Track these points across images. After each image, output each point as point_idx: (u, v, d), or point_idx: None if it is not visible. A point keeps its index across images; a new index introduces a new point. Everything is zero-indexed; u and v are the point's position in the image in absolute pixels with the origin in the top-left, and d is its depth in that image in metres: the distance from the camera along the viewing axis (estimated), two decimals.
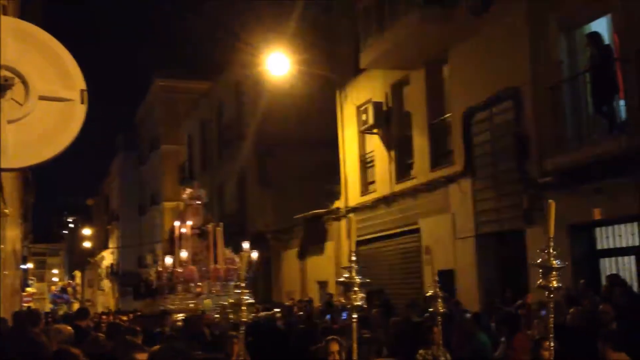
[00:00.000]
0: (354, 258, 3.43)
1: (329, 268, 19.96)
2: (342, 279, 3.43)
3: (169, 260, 13.82)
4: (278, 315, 13.61)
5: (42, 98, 2.72)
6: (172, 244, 14.63)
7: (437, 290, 5.02)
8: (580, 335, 7.08)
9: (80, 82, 2.83)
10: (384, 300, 14.20)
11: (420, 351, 7.05)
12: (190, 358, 3.69)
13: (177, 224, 14.73)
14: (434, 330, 6.74)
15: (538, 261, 3.68)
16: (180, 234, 14.26)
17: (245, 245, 14.12)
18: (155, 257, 14.66)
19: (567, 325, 7.73)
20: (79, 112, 2.80)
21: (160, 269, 14.01)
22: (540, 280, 3.68)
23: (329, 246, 20.11)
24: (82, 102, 2.80)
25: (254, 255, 14.04)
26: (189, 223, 14.61)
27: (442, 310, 5.09)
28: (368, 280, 3.46)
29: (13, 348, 2.47)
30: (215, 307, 13.33)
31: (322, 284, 20.55)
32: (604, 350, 5.93)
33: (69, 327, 6.38)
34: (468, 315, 10.22)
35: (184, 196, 15.92)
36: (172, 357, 3.55)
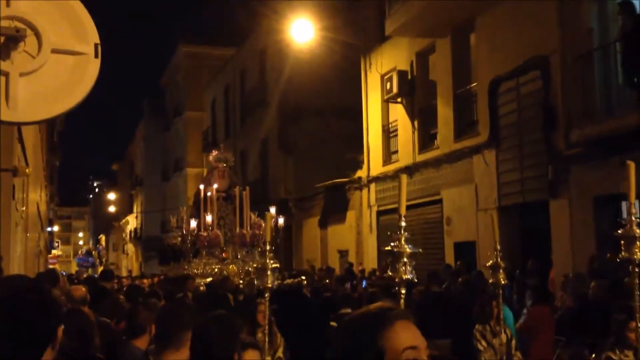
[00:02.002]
0: (403, 224, 2.87)
1: (350, 237, 19.98)
2: (389, 248, 2.89)
3: (193, 223, 13.50)
4: (304, 282, 12.92)
5: (55, 51, 2.66)
6: (197, 208, 14.24)
7: (499, 260, 4.40)
8: (601, 309, 6.98)
9: (94, 36, 2.77)
10: None
11: (478, 326, 6.51)
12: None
13: (202, 187, 14.34)
14: (492, 303, 6.19)
15: (620, 231, 3.46)
16: (206, 197, 13.81)
17: (272, 210, 13.87)
18: (179, 221, 14.38)
19: (589, 297, 7.63)
20: (93, 67, 2.74)
21: (185, 232, 13.72)
22: (623, 252, 3.45)
23: (350, 215, 20.09)
24: (96, 57, 2.74)
25: (281, 220, 13.71)
26: (215, 186, 14.17)
27: (503, 282, 4.50)
28: (420, 250, 2.95)
29: (25, 300, 2.45)
30: (240, 273, 13.02)
31: (343, 253, 20.59)
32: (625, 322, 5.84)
33: (83, 288, 6.46)
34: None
35: (210, 158, 15.38)
36: (222, 330, 3.38)
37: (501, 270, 4.40)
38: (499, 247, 4.40)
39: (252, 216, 13.96)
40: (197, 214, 14.09)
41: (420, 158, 16.37)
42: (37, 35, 2.62)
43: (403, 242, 2.86)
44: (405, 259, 2.84)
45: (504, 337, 6.05)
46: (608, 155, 10.25)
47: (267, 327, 4.44)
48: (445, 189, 15.26)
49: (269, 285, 3.88)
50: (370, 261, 18.33)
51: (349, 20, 20.06)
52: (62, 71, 2.68)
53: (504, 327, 6.12)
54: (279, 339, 6.35)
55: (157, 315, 3.86)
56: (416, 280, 2.99)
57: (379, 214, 18.55)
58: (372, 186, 18.79)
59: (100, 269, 39.89)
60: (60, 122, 31.45)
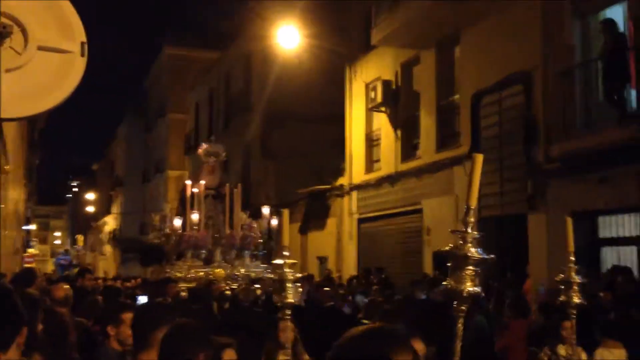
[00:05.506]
0: (472, 220, 2.20)
1: (330, 244, 20.00)
2: (448, 248, 2.20)
3: (177, 222, 12.51)
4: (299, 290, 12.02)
5: (41, 48, 2.66)
6: (183, 205, 13.15)
7: (572, 274, 3.48)
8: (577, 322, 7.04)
9: (80, 34, 2.77)
10: (383, 279, 14.23)
11: (545, 349, 5.84)
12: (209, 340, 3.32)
13: (188, 182, 13.25)
14: (564, 325, 5.32)
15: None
16: (192, 194, 12.73)
17: (265, 210, 12.94)
18: (162, 219, 13.24)
19: (557, 307, 7.69)
20: (79, 65, 2.74)
21: (168, 231, 12.62)
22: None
23: (331, 222, 20.13)
24: (82, 55, 2.75)
25: (274, 222, 12.69)
26: (203, 182, 13.05)
27: (577, 301, 3.49)
28: (492, 256, 2.24)
29: None
30: (227, 278, 12.03)
31: (322, 260, 20.60)
32: (601, 339, 5.93)
33: (65, 286, 6.39)
34: None
35: (199, 152, 14.25)
36: (190, 335, 3.31)
37: (575, 287, 3.47)
38: (573, 259, 3.52)
39: (243, 216, 13.11)
40: (182, 212, 13.07)
41: (402, 167, 16.45)
42: (24, 32, 2.62)
43: (470, 244, 2.16)
44: (471, 267, 2.15)
45: None
46: (587, 171, 10.40)
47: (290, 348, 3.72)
48: (426, 199, 15.34)
49: (290, 301, 3.12)
50: (350, 268, 18.36)
51: (335, 28, 20.14)
52: (47, 68, 2.68)
53: (579, 352, 4.99)
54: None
55: (133, 316, 3.88)
56: (483, 295, 2.30)
57: (360, 221, 18.59)
58: (354, 194, 18.84)
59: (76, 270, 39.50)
60: (42, 120, 31.18)
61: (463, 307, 2.17)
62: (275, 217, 13.00)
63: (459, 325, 2.17)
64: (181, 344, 3.12)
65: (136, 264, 41.45)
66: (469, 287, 2.14)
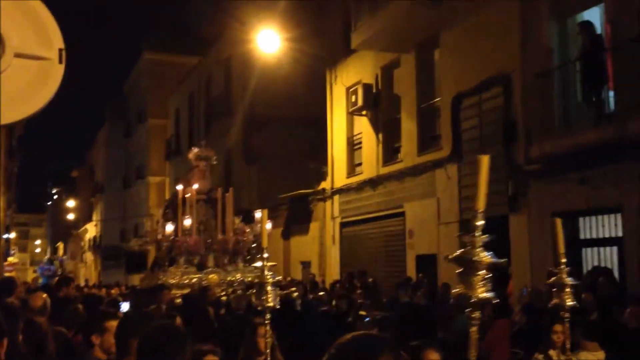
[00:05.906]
0: (480, 223, 2.12)
1: (313, 248, 19.97)
2: (458, 254, 2.09)
3: (169, 228, 12.34)
4: (295, 294, 11.19)
5: (18, 55, 2.63)
6: (174, 211, 12.92)
7: (564, 277, 3.33)
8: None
9: (58, 41, 2.75)
10: (367, 282, 14.24)
11: (538, 355, 5.74)
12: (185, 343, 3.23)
13: (180, 187, 13.01)
14: (555, 328, 5.31)
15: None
16: (184, 199, 12.53)
17: (258, 214, 12.94)
18: (152, 225, 13.11)
19: (549, 310, 7.74)
20: (57, 72, 2.72)
21: (160, 237, 12.48)
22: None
23: (314, 226, 20.10)
24: (60, 62, 2.72)
25: (268, 226, 12.47)
26: (195, 187, 12.88)
27: (570, 304, 3.36)
28: (504, 260, 2.16)
29: None
30: (221, 283, 11.95)
31: (305, 264, 20.57)
32: (581, 341, 5.97)
33: (43, 295, 6.30)
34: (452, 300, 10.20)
35: (190, 156, 14.04)
36: (167, 339, 3.21)
37: (567, 290, 3.34)
38: (564, 260, 3.39)
39: (236, 221, 13.02)
40: (174, 217, 12.80)
41: (384, 171, 16.49)
42: (0, 39, 2.59)
43: (479, 248, 2.05)
44: (481, 272, 2.03)
45: None
46: (566, 171, 10.48)
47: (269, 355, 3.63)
48: (408, 202, 15.38)
49: (270, 305, 3.14)
50: (333, 273, 18.35)
51: (315, 32, 20.17)
52: (25, 76, 2.65)
53: (569, 356, 4.66)
54: None
55: (117, 325, 3.87)
56: (495, 301, 2.12)
57: (342, 225, 18.60)
58: (336, 198, 18.85)
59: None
60: (21, 127, 30.86)
61: (476, 315, 2.05)
62: (269, 221, 12.76)
63: (473, 333, 2.05)
64: (157, 348, 3.08)
65: (117, 271, 41.15)
66: (481, 293, 2.02)
